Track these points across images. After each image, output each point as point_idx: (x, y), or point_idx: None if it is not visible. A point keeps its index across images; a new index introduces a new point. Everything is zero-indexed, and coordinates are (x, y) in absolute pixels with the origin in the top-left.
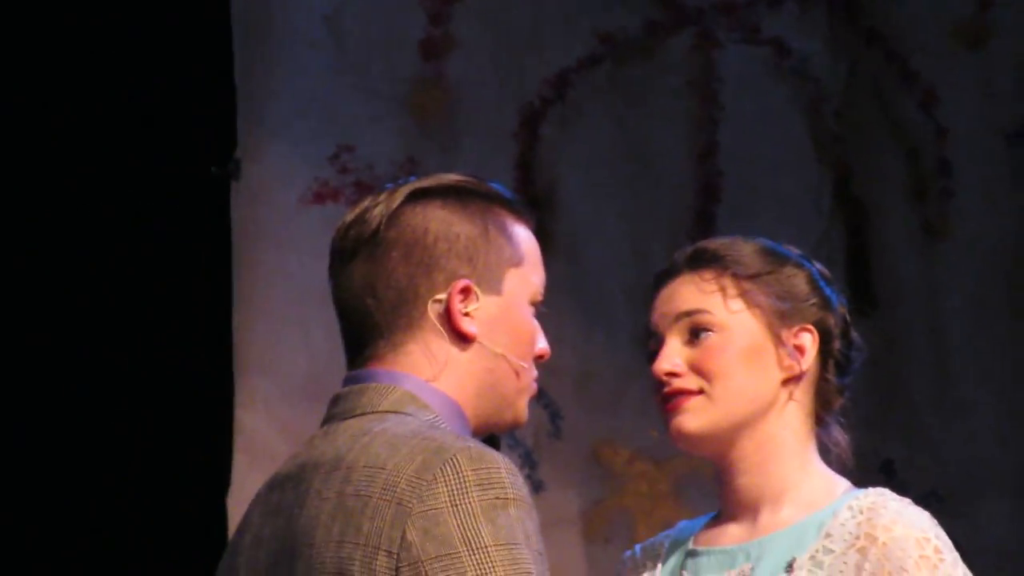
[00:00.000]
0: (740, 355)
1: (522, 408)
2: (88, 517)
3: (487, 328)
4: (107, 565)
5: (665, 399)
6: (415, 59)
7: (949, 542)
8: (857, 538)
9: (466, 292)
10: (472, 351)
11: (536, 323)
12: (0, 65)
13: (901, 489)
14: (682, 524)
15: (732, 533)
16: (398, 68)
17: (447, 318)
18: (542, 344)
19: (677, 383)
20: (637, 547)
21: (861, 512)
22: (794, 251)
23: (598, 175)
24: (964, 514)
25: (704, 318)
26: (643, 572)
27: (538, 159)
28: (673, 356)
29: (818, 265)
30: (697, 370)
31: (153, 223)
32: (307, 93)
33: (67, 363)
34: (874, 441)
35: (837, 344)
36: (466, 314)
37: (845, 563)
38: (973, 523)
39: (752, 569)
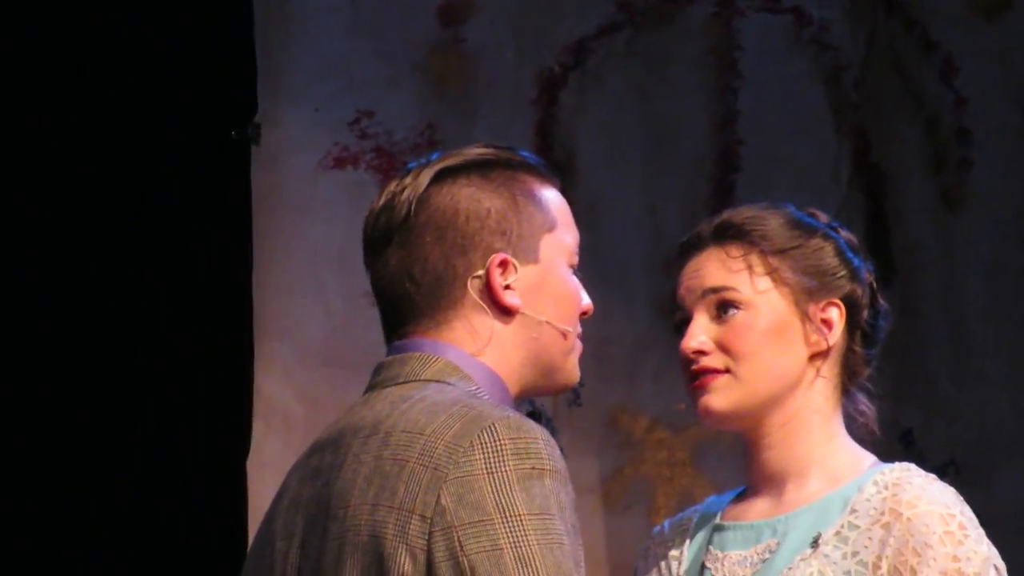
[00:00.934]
0: (766, 334)
1: (572, 368)
2: (109, 482)
3: (529, 297)
4: (127, 529)
5: (692, 376)
6: (434, 24)
7: (974, 518)
8: (882, 513)
9: (504, 265)
10: (516, 322)
11: (576, 282)
12: (23, 30)
13: (919, 459)
14: (711, 499)
15: (758, 508)
16: (417, 34)
17: (488, 293)
18: (586, 301)
19: (704, 361)
20: (666, 522)
21: (886, 488)
22: (821, 219)
23: (617, 142)
24: (980, 483)
25: (731, 295)
26: (671, 548)
27: (557, 126)
28: (699, 334)
29: (845, 233)
30: (724, 348)
31: (173, 188)
32: (327, 58)
33: (88, 328)
34: (893, 411)
35: (864, 314)
36: (507, 287)
37: (870, 538)
38: (989, 492)
39: (778, 544)
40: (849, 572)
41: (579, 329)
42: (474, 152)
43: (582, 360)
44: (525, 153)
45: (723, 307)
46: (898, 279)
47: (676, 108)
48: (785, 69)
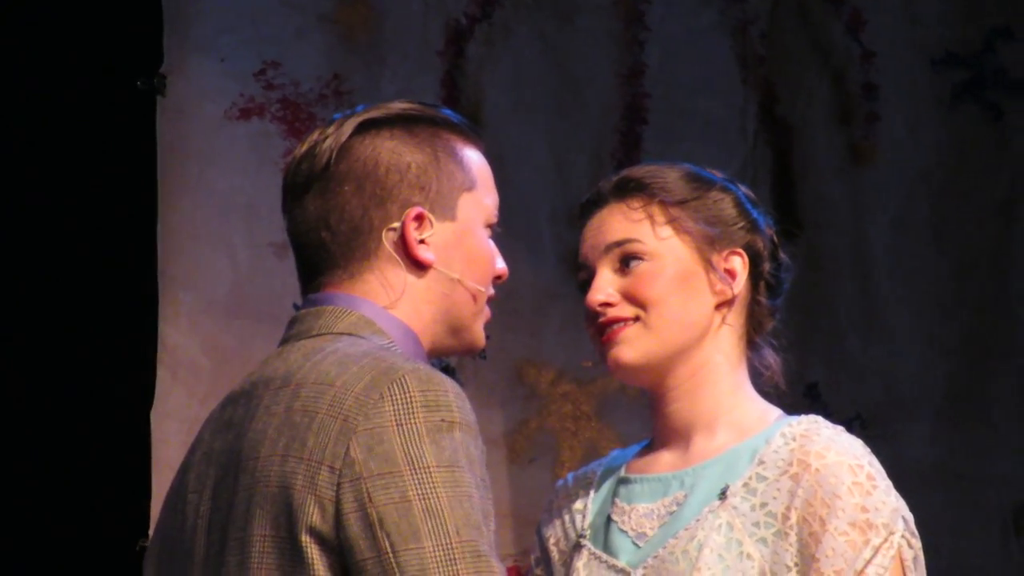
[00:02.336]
0: (672, 281)
1: (478, 331)
2: (12, 430)
3: (443, 254)
4: (30, 478)
5: (600, 330)
6: None
7: (881, 469)
8: (790, 464)
9: (420, 219)
10: (429, 277)
11: (492, 245)
12: None
13: (824, 413)
14: (614, 453)
15: (665, 461)
16: None
17: (403, 246)
18: (500, 265)
19: (612, 312)
20: (569, 476)
21: (794, 439)
22: (718, 175)
23: (524, 94)
24: (886, 437)
25: (634, 247)
26: (575, 501)
27: (464, 78)
28: (606, 286)
29: (743, 188)
30: (631, 298)
31: (79, 138)
32: (233, 9)
33: None
34: (799, 365)
35: (767, 266)
36: (421, 241)
37: (779, 490)
38: (895, 446)
39: (686, 496)
40: (758, 523)
41: (491, 291)
42: (399, 107)
43: None
44: (450, 112)
45: (626, 260)
46: (805, 233)
47: (583, 60)
48: (692, 22)
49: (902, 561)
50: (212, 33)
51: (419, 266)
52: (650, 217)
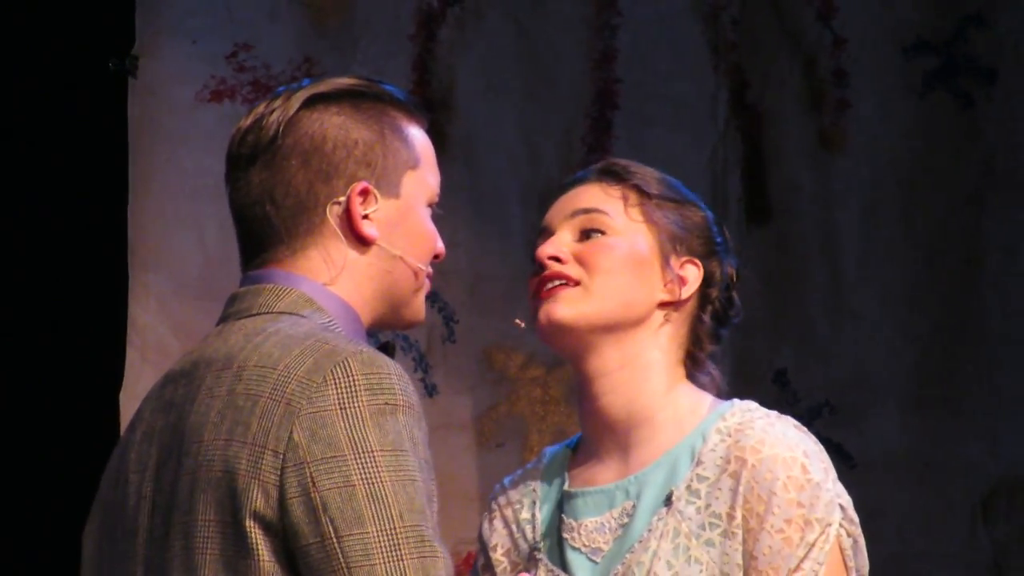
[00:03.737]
0: (625, 259)
1: (419, 307)
2: None
3: (386, 230)
4: None
5: (541, 284)
6: None
7: (819, 452)
8: (728, 462)
9: (365, 194)
10: (371, 254)
11: (432, 224)
12: None
13: (794, 399)
14: (547, 452)
15: (606, 470)
16: None
17: (347, 221)
18: (440, 245)
19: (558, 267)
20: (506, 481)
21: (729, 435)
22: (697, 197)
23: (495, 78)
24: (854, 423)
25: (600, 218)
26: (521, 509)
27: (435, 61)
28: (560, 244)
29: (717, 218)
30: (581, 262)
31: (50, 117)
32: None
33: None
34: (768, 351)
35: (717, 292)
36: (365, 216)
37: (720, 489)
38: (863, 433)
39: (634, 506)
40: (704, 525)
41: (430, 270)
42: (346, 82)
43: (456, 296)
44: (395, 89)
45: (588, 232)
46: (775, 218)
47: (555, 45)
48: (664, 7)
49: (841, 550)
50: (184, 15)
51: (362, 242)
52: (624, 198)
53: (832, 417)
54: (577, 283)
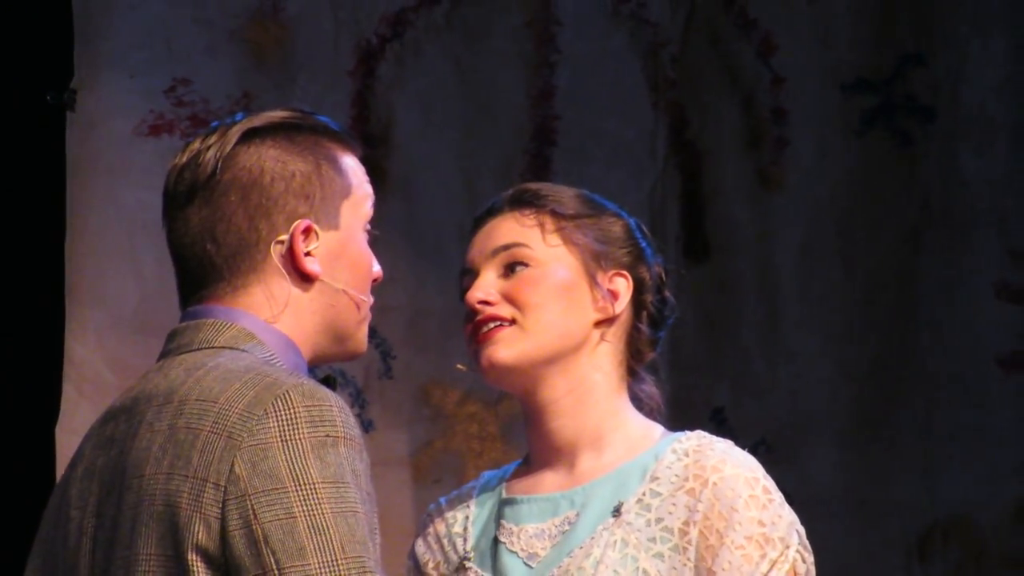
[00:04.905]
0: (554, 289)
1: (362, 338)
2: None
3: (328, 265)
4: None
5: (476, 329)
6: None
7: (774, 483)
8: (686, 480)
9: (308, 232)
10: (314, 289)
11: (369, 249)
12: None
13: (731, 436)
14: (486, 475)
15: (550, 481)
16: (236, 2)
17: (290, 259)
18: (377, 268)
19: (490, 311)
20: (442, 499)
21: (687, 454)
22: (614, 205)
23: (434, 114)
24: (791, 462)
25: (521, 251)
26: (454, 523)
27: (374, 97)
28: (487, 287)
29: (636, 220)
30: (511, 300)
31: None
32: (145, 24)
33: None
34: (705, 389)
35: (650, 297)
36: (308, 253)
37: (674, 504)
38: (800, 471)
39: (577, 515)
40: (654, 538)
41: (371, 299)
42: (279, 115)
43: (394, 331)
44: (327, 119)
45: (512, 265)
46: (712, 256)
47: (494, 81)
48: (603, 44)
49: (796, 575)
50: (123, 49)
51: (305, 279)
52: (541, 225)
53: (769, 455)
54: (512, 321)
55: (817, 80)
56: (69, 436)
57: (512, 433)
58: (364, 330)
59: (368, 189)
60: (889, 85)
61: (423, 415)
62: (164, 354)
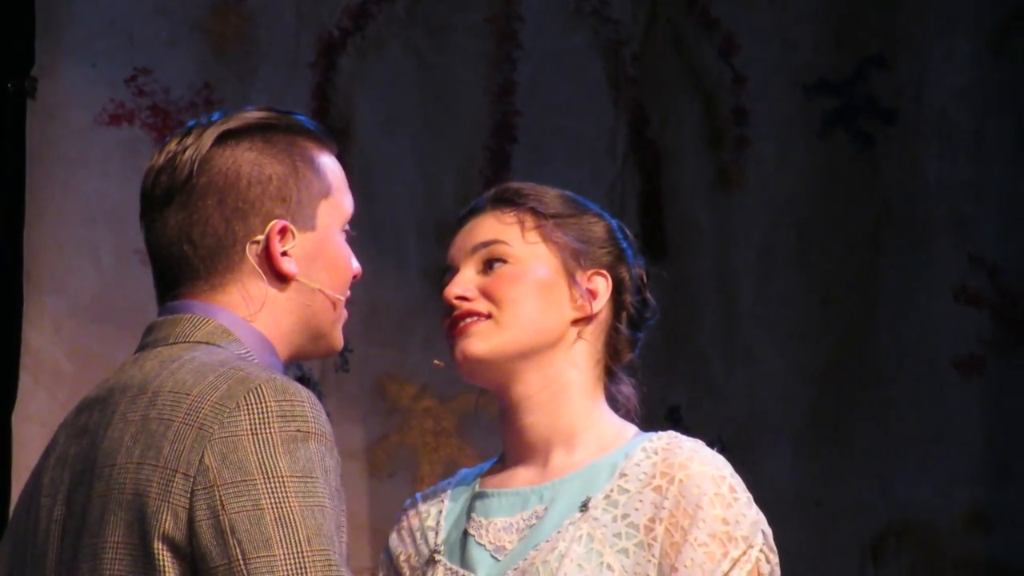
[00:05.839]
0: (532, 286)
1: (337, 336)
2: None
3: (305, 265)
4: None
5: (453, 323)
6: None
7: (742, 483)
8: (653, 477)
9: (284, 232)
10: (290, 289)
11: (347, 248)
12: None
13: (686, 435)
14: (463, 472)
15: (522, 476)
16: None
17: (266, 259)
18: (356, 265)
19: (467, 306)
20: (418, 495)
21: (656, 453)
22: (596, 206)
23: (394, 109)
24: (747, 462)
25: (500, 248)
26: (427, 517)
27: (335, 91)
28: (465, 282)
29: (618, 222)
30: (488, 296)
31: None
32: (106, 13)
33: None
34: (660, 387)
35: (630, 298)
36: (284, 253)
37: (641, 501)
38: (755, 472)
39: (546, 510)
40: (619, 534)
41: (348, 294)
42: (255, 116)
43: (351, 326)
44: (304, 118)
45: (490, 262)
46: (671, 255)
47: (455, 76)
48: (564, 41)
49: (759, 575)
50: (84, 38)
51: (281, 279)
52: (521, 223)
53: (723, 455)
54: (488, 316)
55: (779, 81)
56: (26, 424)
57: (467, 429)
58: (339, 328)
59: (345, 188)
60: (851, 87)
61: (379, 409)
62: (141, 347)
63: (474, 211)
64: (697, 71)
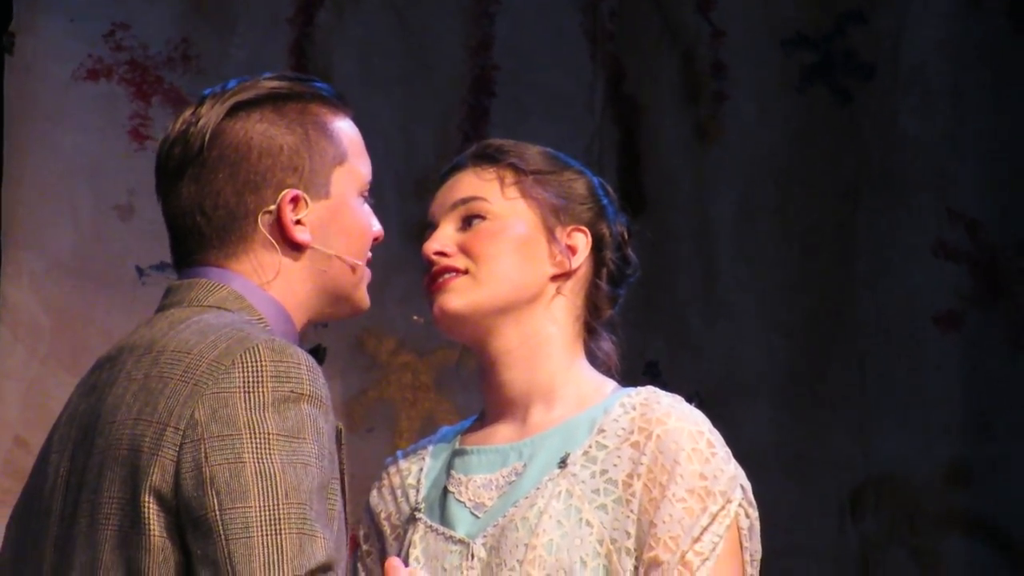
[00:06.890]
0: (510, 241)
1: (361, 297)
2: None
3: (319, 232)
4: None
5: (432, 279)
6: None
7: (721, 438)
8: (631, 433)
9: (295, 201)
10: (305, 257)
11: (367, 211)
12: None
13: (664, 390)
14: (444, 430)
15: (502, 433)
16: None
17: (279, 229)
18: (376, 228)
19: (445, 261)
20: (399, 452)
21: (634, 408)
22: (579, 163)
23: (373, 63)
24: (725, 418)
25: (479, 205)
26: (408, 476)
27: (312, 45)
28: (444, 239)
29: (600, 180)
30: (466, 252)
31: None
32: None
33: None
34: (639, 342)
35: (610, 254)
36: (297, 222)
37: (619, 457)
38: (733, 427)
39: (525, 467)
40: (597, 490)
41: (369, 256)
42: (269, 85)
43: None
44: (319, 84)
45: (469, 219)
46: (649, 209)
47: (433, 30)
48: None
49: (739, 530)
50: None
51: (295, 247)
52: (500, 179)
53: (702, 410)
54: (465, 272)
55: (757, 35)
56: (4, 379)
57: (445, 383)
58: (363, 289)
59: (362, 152)
60: (829, 42)
61: (357, 364)
62: (158, 310)
63: (455, 168)
64: (675, 26)
